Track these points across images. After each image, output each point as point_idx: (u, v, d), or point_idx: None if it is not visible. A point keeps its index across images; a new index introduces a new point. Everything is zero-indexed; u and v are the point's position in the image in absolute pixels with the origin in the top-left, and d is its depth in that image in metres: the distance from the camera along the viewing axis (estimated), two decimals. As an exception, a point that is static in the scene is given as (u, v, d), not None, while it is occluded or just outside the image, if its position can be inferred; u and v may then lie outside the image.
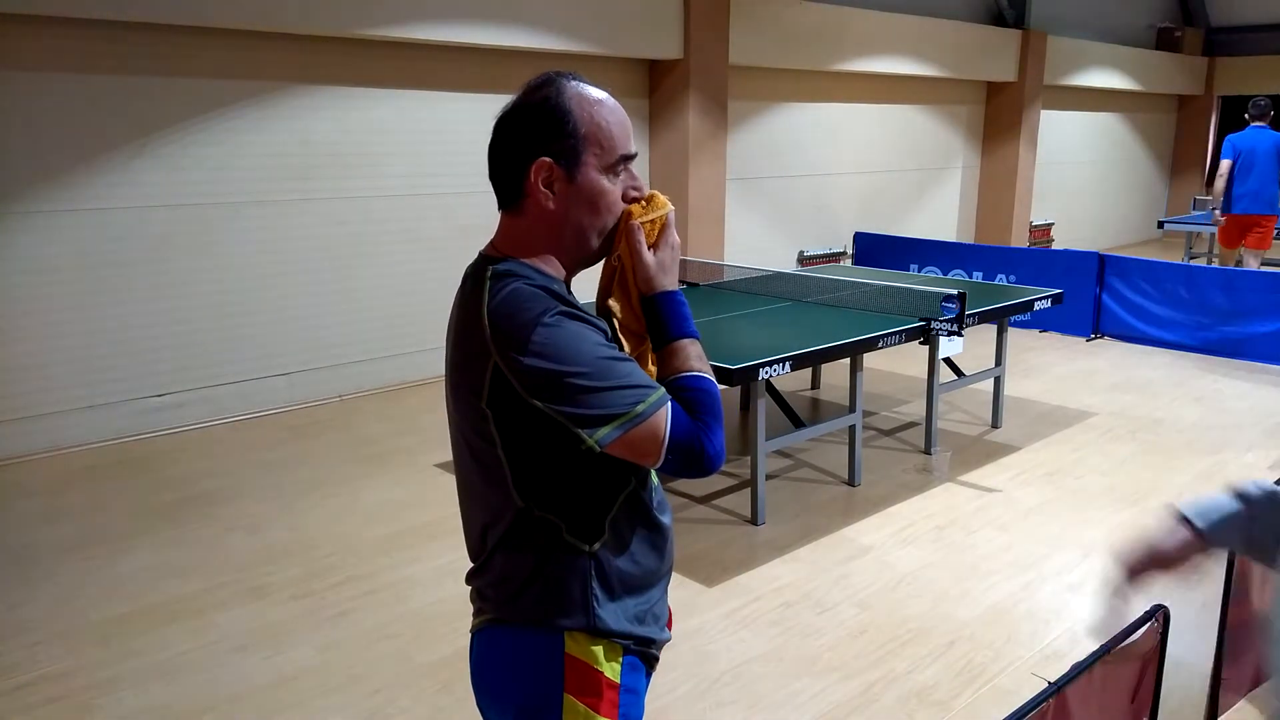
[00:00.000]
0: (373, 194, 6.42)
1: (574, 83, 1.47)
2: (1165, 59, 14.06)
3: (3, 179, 5.03)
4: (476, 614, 1.59)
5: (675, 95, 7.70)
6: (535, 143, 1.43)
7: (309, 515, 4.51)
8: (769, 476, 4.90)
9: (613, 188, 1.49)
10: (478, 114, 6.84)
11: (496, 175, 1.49)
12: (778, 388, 4.85)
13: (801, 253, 9.65)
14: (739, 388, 6.15)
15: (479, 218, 6.98)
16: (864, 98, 10.00)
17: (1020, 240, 11.58)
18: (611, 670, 1.51)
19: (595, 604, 1.49)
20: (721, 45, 7.78)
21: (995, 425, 5.77)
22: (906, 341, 4.75)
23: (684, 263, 6.61)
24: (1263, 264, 8.53)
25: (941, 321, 4.78)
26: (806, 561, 4.03)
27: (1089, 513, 4.52)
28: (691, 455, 1.41)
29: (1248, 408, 6.15)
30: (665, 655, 3.29)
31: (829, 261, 9.68)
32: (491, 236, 1.55)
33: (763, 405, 4.28)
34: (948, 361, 5.63)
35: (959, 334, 4.82)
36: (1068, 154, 12.98)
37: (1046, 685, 1.68)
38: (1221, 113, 15.48)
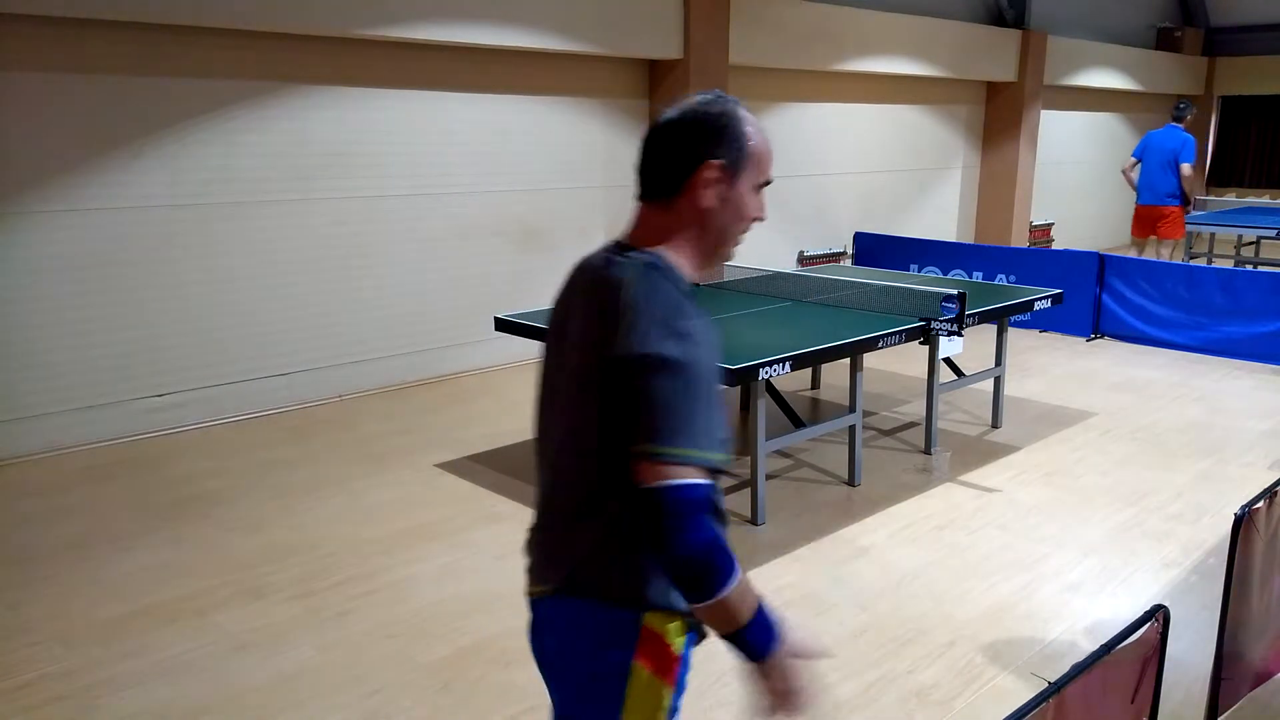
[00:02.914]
0: (373, 194, 6.42)
1: (742, 107, 1.67)
2: (1165, 59, 14.06)
3: (3, 179, 5.03)
4: (543, 581, 1.70)
5: (675, 95, 7.65)
6: (712, 147, 1.61)
7: (309, 515, 4.51)
8: (769, 476, 4.90)
9: (755, 201, 1.68)
10: (477, 114, 6.85)
11: (656, 169, 1.64)
12: (778, 388, 4.85)
13: (801, 253, 9.65)
14: (739, 388, 6.15)
15: (479, 218, 6.99)
16: (864, 98, 10.00)
17: (1020, 240, 11.59)
18: (678, 645, 1.63)
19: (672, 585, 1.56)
20: (721, 45, 7.78)
21: (995, 425, 5.77)
22: (906, 341, 4.76)
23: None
24: (1256, 264, 8.67)
25: (941, 321, 4.78)
26: (806, 561, 4.03)
27: (1089, 513, 4.52)
28: (675, 516, 1.45)
29: (1247, 408, 6.15)
30: (665, 655, 3.30)
31: (829, 261, 9.67)
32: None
33: (763, 405, 4.29)
34: (948, 361, 5.63)
35: (959, 334, 4.82)
36: (1068, 154, 12.98)
37: (1046, 685, 1.68)
38: (1222, 113, 15.47)
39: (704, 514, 1.46)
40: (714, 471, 1.51)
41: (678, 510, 1.45)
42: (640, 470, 1.47)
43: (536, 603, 1.73)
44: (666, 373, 1.47)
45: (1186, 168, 8.92)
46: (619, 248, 1.66)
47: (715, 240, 1.66)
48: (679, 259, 1.64)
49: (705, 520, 1.46)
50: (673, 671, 1.63)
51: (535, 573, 1.73)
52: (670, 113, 1.65)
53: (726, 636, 1.52)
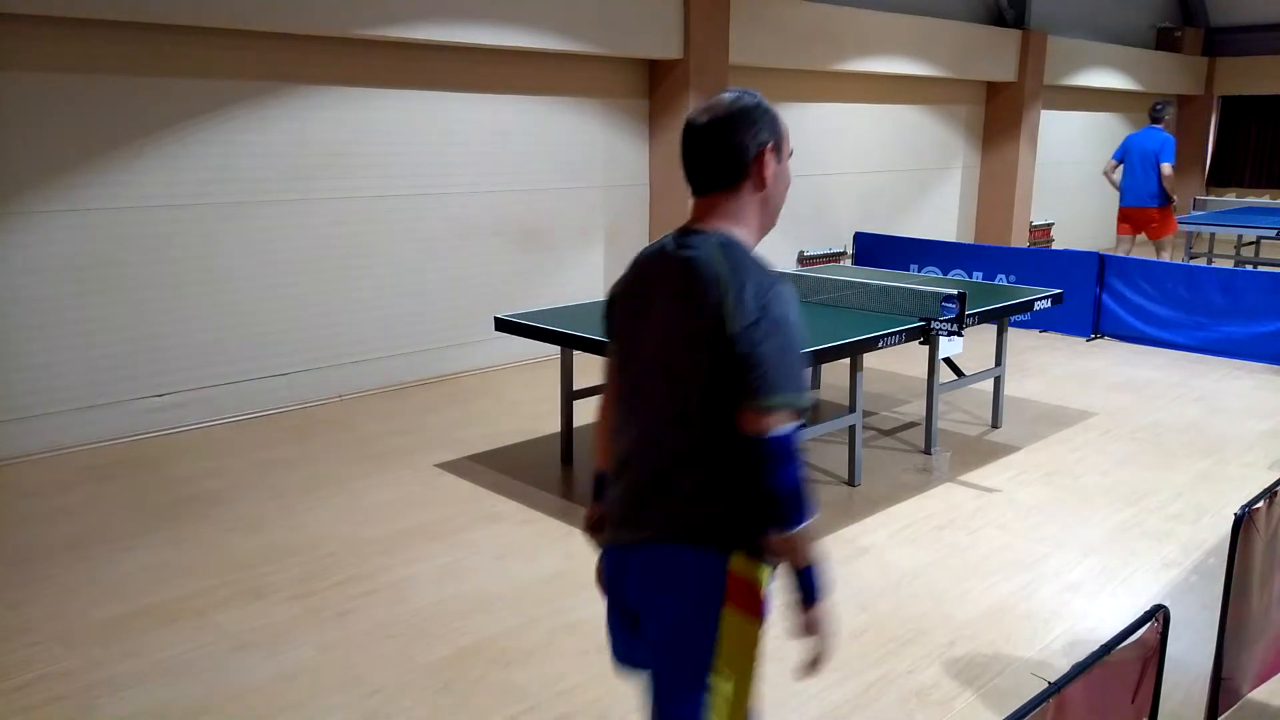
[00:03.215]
0: (372, 194, 6.42)
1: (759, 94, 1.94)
2: (1165, 59, 14.06)
3: (3, 179, 5.03)
4: (633, 529, 1.90)
5: (675, 95, 7.70)
6: (762, 134, 1.86)
7: (309, 515, 4.51)
8: (769, 476, 4.90)
9: (789, 171, 1.97)
10: (477, 114, 6.85)
11: (716, 163, 1.87)
12: (778, 388, 4.85)
13: (801, 253, 9.65)
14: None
15: (479, 218, 6.98)
16: (864, 98, 10.00)
17: (1020, 240, 11.58)
18: (765, 582, 1.86)
19: (756, 532, 1.81)
20: (721, 45, 7.78)
21: (995, 425, 5.77)
22: (906, 341, 4.76)
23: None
24: (1256, 264, 8.74)
25: (941, 321, 4.78)
26: (806, 561, 4.02)
27: (1089, 513, 4.52)
28: (777, 458, 1.73)
29: (1247, 408, 6.15)
30: (665, 655, 3.30)
31: (829, 261, 9.67)
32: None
33: (763, 405, 4.27)
34: (948, 361, 5.63)
35: (959, 334, 4.82)
36: (1068, 154, 12.97)
37: (1046, 685, 1.68)
38: (1222, 113, 15.47)
39: (798, 456, 1.75)
40: (800, 412, 1.78)
41: (779, 454, 1.72)
42: (746, 421, 1.74)
43: (621, 551, 1.94)
44: (767, 335, 1.73)
45: (1167, 167, 8.99)
46: (684, 234, 1.89)
47: (772, 212, 1.95)
48: (744, 234, 1.89)
49: (799, 461, 1.75)
50: (762, 608, 1.85)
51: (621, 523, 1.93)
52: (713, 113, 1.86)
53: (793, 573, 1.80)
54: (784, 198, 1.96)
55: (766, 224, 1.94)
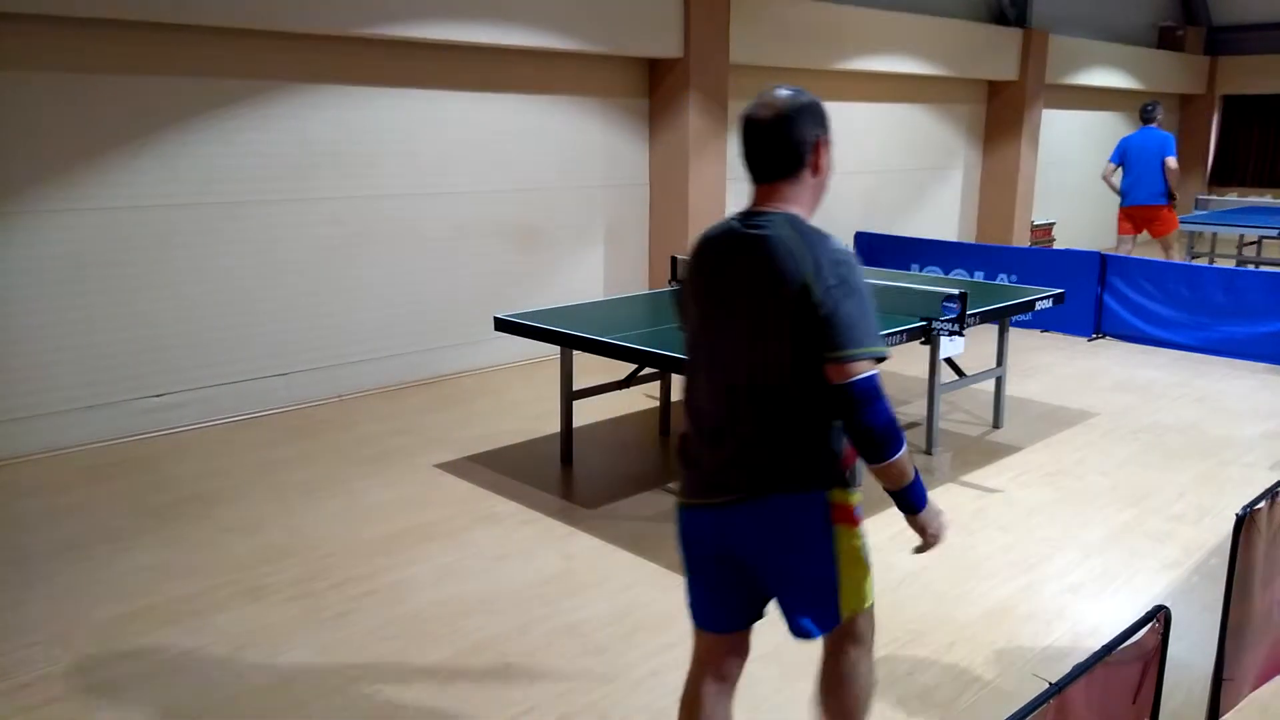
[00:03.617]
0: (372, 194, 6.42)
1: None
2: (1167, 58, 14.05)
3: (3, 179, 5.03)
4: (729, 490, 2.15)
5: (675, 94, 7.69)
6: (819, 128, 2.14)
7: (308, 515, 4.50)
8: (769, 476, 4.90)
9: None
10: (477, 114, 6.84)
11: (781, 153, 2.12)
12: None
13: (802, 252, 9.64)
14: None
15: (479, 217, 6.98)
16: (864, 97, 9.99)
17: (1022, 240, 11.57)
18: (858, 502, 2.24)
19: (843, 467, 2.18)
20: (722, 44, 7.77)
21: (996, 425, 5.76)
22: (907, 341, 4.75)
23: (684, 263, 6.59)
24: (1258, 264, 8.73)
25: (942, 321, 4.77)
26: (807, 562, 4.02)
27: (1090, 513, 4.51)
28: (867, 400, 2.01)
29: (1249, 408, 6.14)
30: (665, 656, 3.30)
31: (830, 261, 9.65)
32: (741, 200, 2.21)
33: (763, 405, 4.27)
34: (949, 361, 5.61)
35: (960, 334, 4.81)
36: (1069, 153, 12.96)
37: (1047, 686, 1.67)
38: (1224, 112, 15.45)
39: (883, 396, 2.01)
40: (879, 360, 2.03)
41: (867, 396, 1.99)
42: (834, 371, 2.00)
43: (722, 510, 2.18)
44: (846, 296, 2.00)
45: (1171, 160, 8.97)
46: (749, 215, 2.15)
47: (822, 194, 2.21)
48: (802, 214, 2.15)
49: (885, 400, 2.02)
50: (858, 518, 2.23)
51: (715, 485, 2.18)
52: (775, 110, 2.10)
53: (893, 492, 2.14)
54: (830, 182, 2.25)
55: (817, 206, 2.20)
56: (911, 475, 2.12)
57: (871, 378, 2.00)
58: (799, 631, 2.21)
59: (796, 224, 2.09)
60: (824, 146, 2.15)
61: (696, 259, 2.24)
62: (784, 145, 2.11)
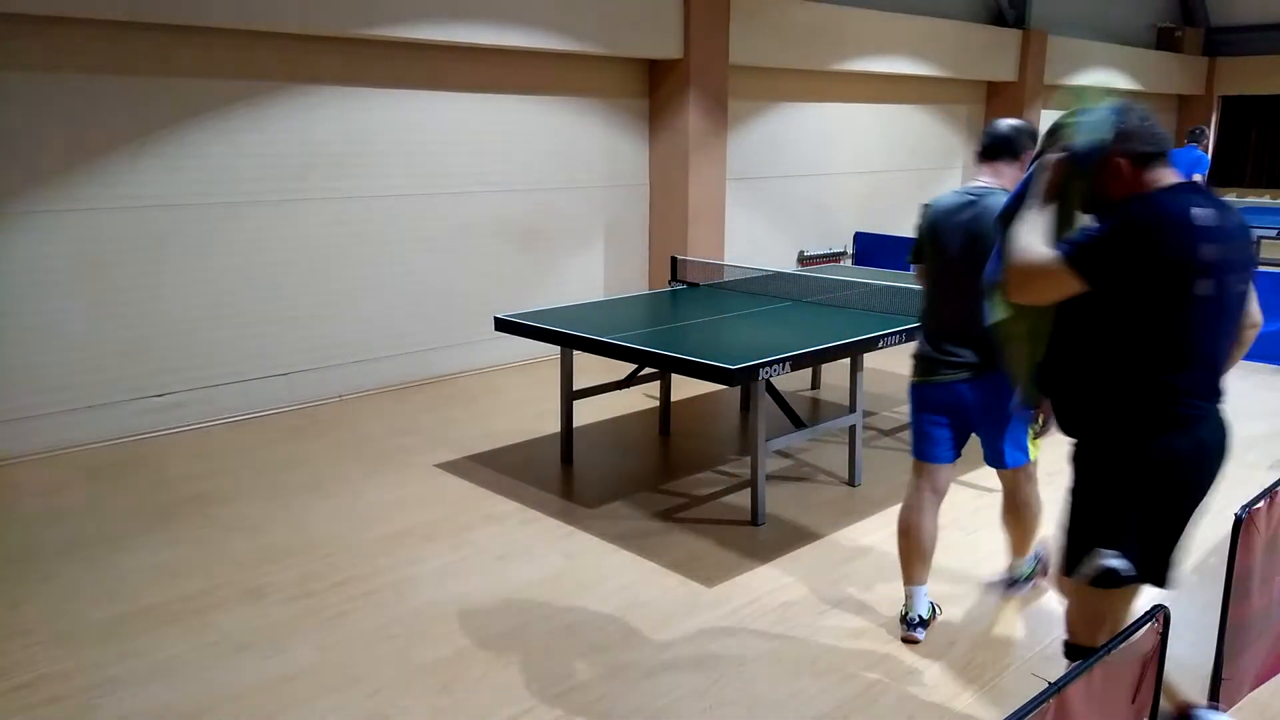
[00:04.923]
0: (372, 194, 6.42)
1: None
2: (1166, 59, 14.06)
3: (2, 179, 5.03)
4: (963, 369, 3.24)
5: (675, 95, 7.70)
6: (1028, 140, 3.28)
7: (309, 515, 4.51)
8: (769, 476, 4.90)
9: None
10: (477, 114, 6.85)
11: (1005, 148, 3.28)
12: (778, 388, 4.85)
13: (801, 253, 9.65)
14: (739, 388, 6.15)
15: (479, 217, 6.99)
16: (864, 98, 10.00)
17: (1020, 240, 11.55)
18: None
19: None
20: (721, 45, 7.78)
21: (995, 425, 5.76)
22: (906, 341, 4.74)
23: (684, 263, 6.61)
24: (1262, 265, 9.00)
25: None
26: (806, 562, 4.03)
27: (1089, 513, 4.51)
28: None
29: (1248, 408, 6.14)
30: (664, 655, 3.30)
31: (829, 261, 9.67)
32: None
33: (763, 405, 4.28)
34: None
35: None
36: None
37: (1047, 685, 1.68)
38: (1222, 112, 15.47)
39: None
40: None
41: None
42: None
43: (952, 384, 3.27)
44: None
45: (1199, 179, 9.63)
46: (971, 190, 3.26)
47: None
48: (1009, 187, 3.11)
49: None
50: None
51: (953, 363, 3.25)
52: (1010, 122, 3.33)
53: None
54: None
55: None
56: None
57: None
58: (1003, 462, 3.43)
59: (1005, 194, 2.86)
60: (1028, 151, 3.25)
61: (937, 214, 3.34)
62: (1008, 142, 3.32)
